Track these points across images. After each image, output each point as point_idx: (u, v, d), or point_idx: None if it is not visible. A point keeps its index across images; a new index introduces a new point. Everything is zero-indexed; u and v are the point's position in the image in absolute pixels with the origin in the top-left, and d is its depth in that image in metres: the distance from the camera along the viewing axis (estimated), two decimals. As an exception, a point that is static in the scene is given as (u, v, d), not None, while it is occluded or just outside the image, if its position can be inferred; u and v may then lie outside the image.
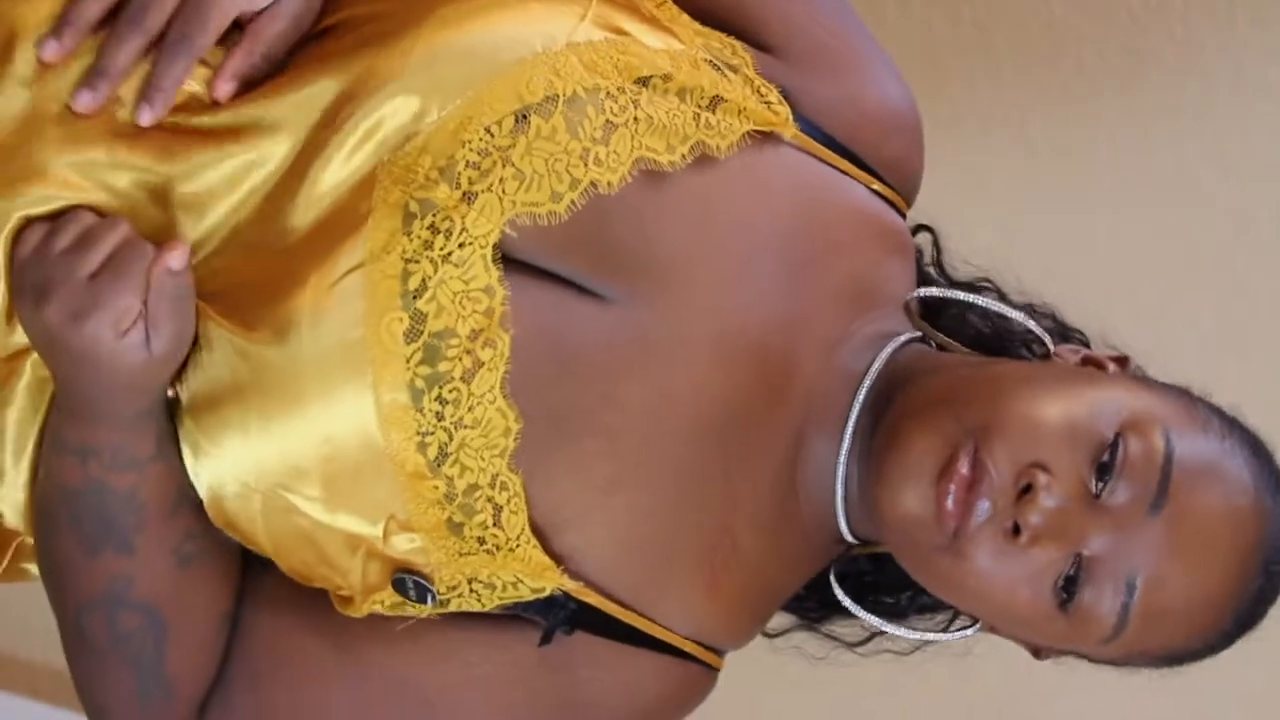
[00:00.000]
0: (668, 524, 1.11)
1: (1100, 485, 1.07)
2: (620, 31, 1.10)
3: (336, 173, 1.06)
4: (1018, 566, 1.07)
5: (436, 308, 1.04)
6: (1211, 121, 2.10)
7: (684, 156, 1.08)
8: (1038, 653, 1.17)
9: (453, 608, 1.10)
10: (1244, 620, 1.12)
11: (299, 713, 1.13)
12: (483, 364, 1.04)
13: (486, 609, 1.10)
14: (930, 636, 1.18)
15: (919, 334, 1.18)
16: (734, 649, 1.18)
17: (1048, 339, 1.17)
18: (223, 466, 1.08)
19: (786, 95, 1.14)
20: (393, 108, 1.06)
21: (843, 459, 1.13)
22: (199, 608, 1.12)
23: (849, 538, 1.16)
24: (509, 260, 1.06)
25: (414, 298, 1.04)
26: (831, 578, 1.18)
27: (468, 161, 1.05)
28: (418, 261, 1.04)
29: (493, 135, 1.05)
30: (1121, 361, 1.18)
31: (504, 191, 1.05)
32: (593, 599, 1.10)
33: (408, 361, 1.04)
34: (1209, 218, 2.13)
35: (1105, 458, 1.07)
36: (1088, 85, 2.12)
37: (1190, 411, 1.12)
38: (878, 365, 1.14)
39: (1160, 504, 1.07)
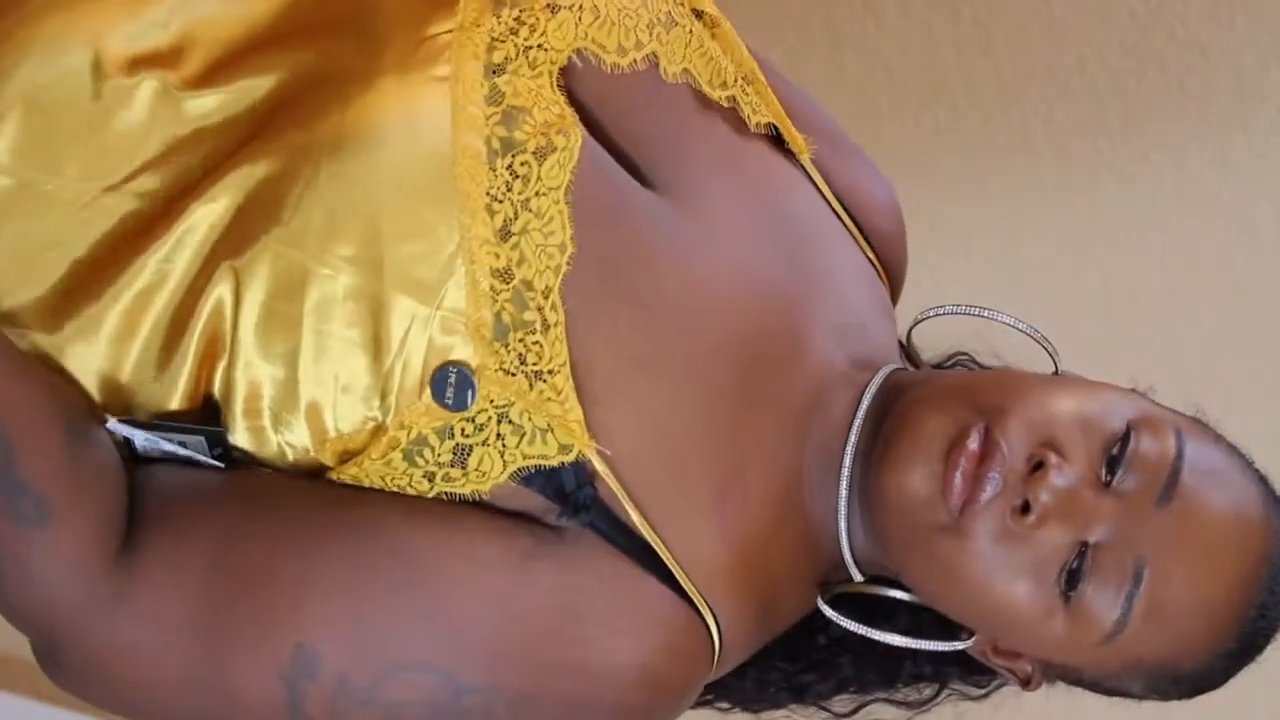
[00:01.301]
0: (689, 431, 1.07)
1: (1110, 475, 1.06)
2: None
3: None
4: (1021, 553, 1.05)
5: (514, 90, 1.05)
6: (1211, 122, 2.10)
7: (720, 100, 1.13)
8: (1027, 683, 1.15)
9: (470, 467, 1.04)
10: (1245, 639, 1.10)
11: (278, 574, 1.03)
12: (555, 150, 1.04)
13: (505, 472, 1.04)
14: (923, 645, 1.14)
15: (905, 367, 1.19)
16: (729, 629, 1.10)
17: (1057, 358, 1.17)
18: (308, 204, 1.04)
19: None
20: None
21: (845, 476, 1.12)
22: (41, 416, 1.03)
23: (848, 557, 1.13)
24: (573, 101, 1.08)
25: (495, 73, 1.05)
26: (820, 601, 1.14)
27: None
28: (503, 42, 1.06)
29: None
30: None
31: (581, 19, 1.07)
32: (613, 484, 1.04)
33: (486, 118, 1.04)
34: (1209, 218, 2.14)
35: (1116, 449, 1.06)
36: (1088, 85, 2.12)
37: (1200, 425, 1.13)
38: (877, 382, 1.13)
39: (1169, 496, 1.06)
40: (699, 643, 1.09)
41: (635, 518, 1.05)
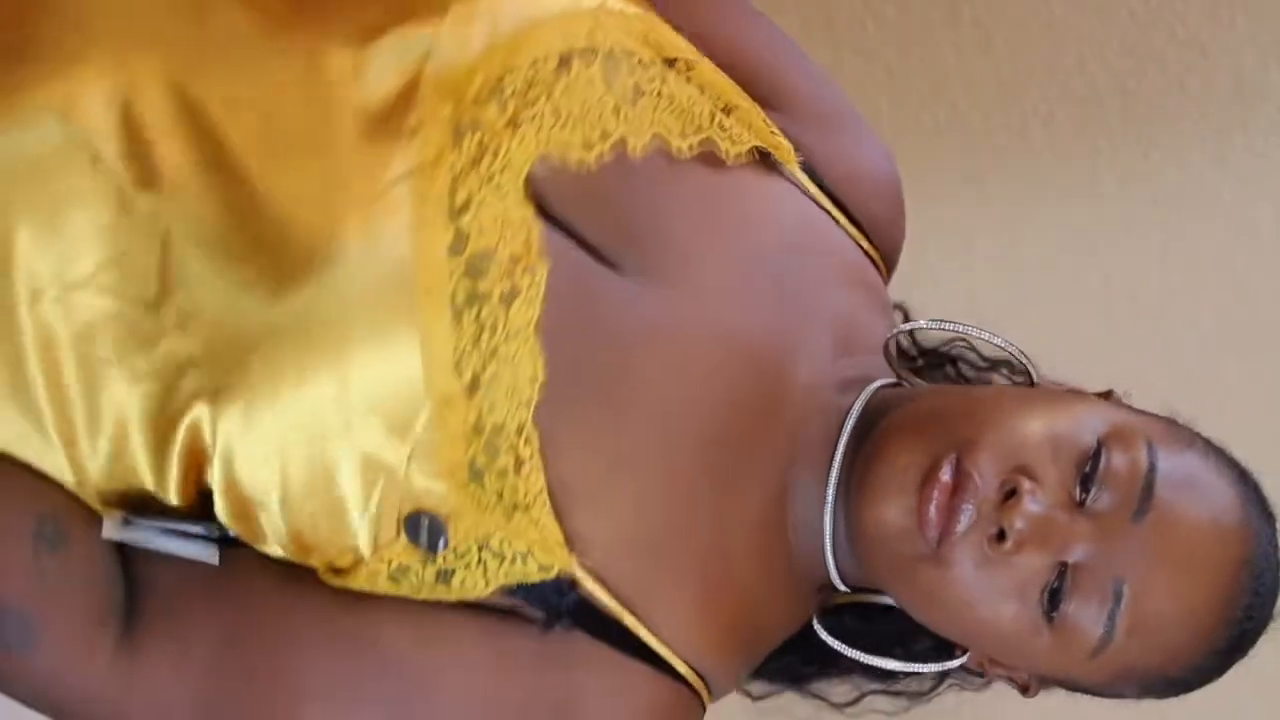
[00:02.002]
0: (668, 519, 1.10)
1: (1084, 494, 1.07)
2: (649, 6, 1.13)
3: (378, 83, 1.05)
4: (1002, 577, 1.06)
5: (479, 228, 1.03)
6: (1211, 122, 2.10)
7: (693, 147, 1.10)
8: (1025, 690, 1.16)
9: (454, 585, 1.07)
10: (1233, 641, 1.11)
11: (278, 676, 1.08)
12: (520, 293, 1.04)
13: (489, 589, 1.07)
14: (918, 668, 1.17)
15: (894, 381, 1.18)
16: (720, 685, 1.15)
17: (1033, 369, 1.17)
18: (268, 373, 1.04)
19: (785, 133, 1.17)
20: (442, 33, 1.06)
21: (829, 503, 1.12)
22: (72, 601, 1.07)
23: (836, 579, 1.15)
24: (540, 204, 1.06)
25: (459, 214, 1.03)
26: (815, 622, 1.16)
27: (514, 89, 1.05)
28: (465, 178, 1.04)
29: (539, 68, 1.06)
30: (1105, 395, 1.18)
31: (543, 125, 1.06)
32: (595, 588, 1.08)
33: (450, 275, 1.03)
34: (1209, 218, 2.14)
35: (1089, 467, 1.07)
36: (1087, 85, 2.12)
37: (1174, 430, 1.12)
38: (858, 407, 1.14)
39: (1144, 510, 1.06)
40: (691, 708, 1.13)
41: (619, 612, 1.08)
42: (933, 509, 1.05)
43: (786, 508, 1.13)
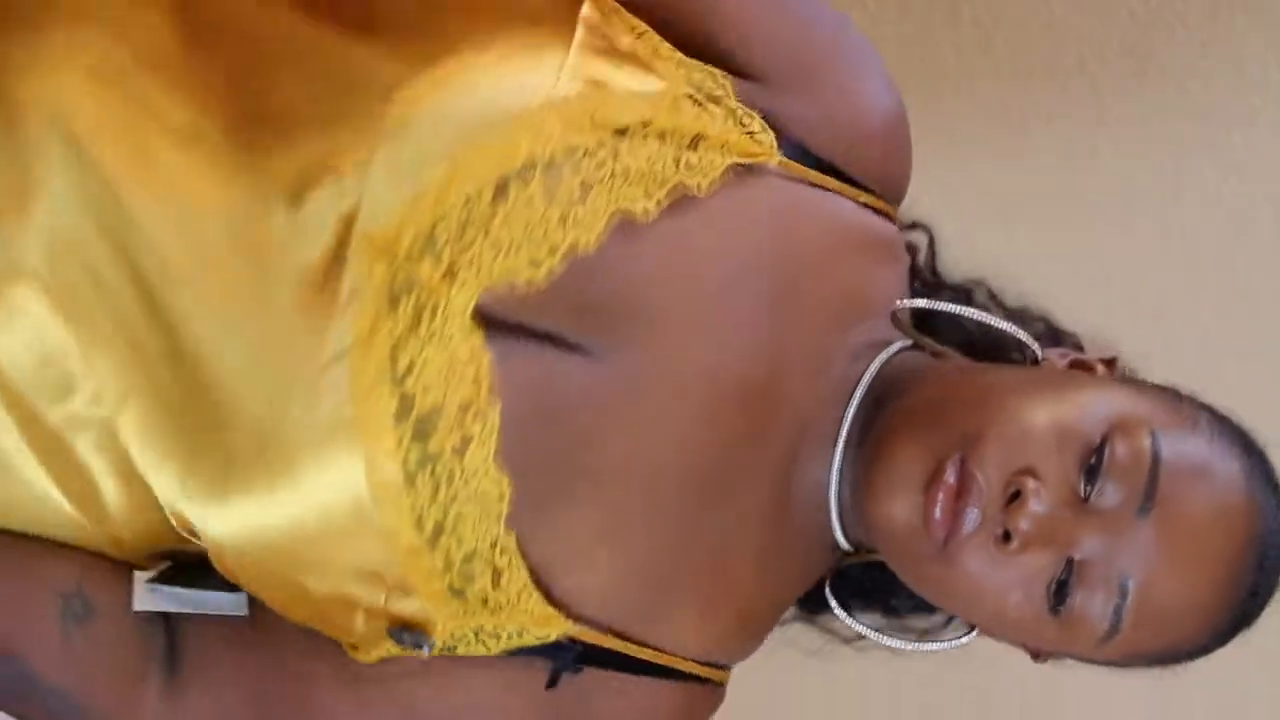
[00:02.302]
0: (662, 562, 1.11)
1: (1089, 488, 1.07)
2: (597, 82, 1.07)
3: (311, 244, 1.03)
4: (1008, 572, 1.07)
5: (424, 387, 1.02)
6: (1211, 121, 2.10)
7: (660, 202, 1.06)
8: (1036, 655, 1.18)
9: (460, 652, 1.10)
10: (1240, 618, 1.12)
11: None
12: (473, 439, 1.04)
13: (493, 653, 1.10)
14: (925, 647, 1.18)
15: (910, 342, 1.18)
16: (738, 659, 1.19)
17: (1035, 346, 1.17)
18: (223, 527, 1.07)
19: (769, 119, 1.12)
20: (371, 177, 1.03)
21: (835, 472, 1.13)
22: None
23: (845, 546, 1.16)
24: (490, 320, 1.04)
25: (402, 380, 1.02)
26: (827, 591, 1.19)
27: (448, 236, 1.02)
28: (405, 343, 1.02)
29: (472, 206, 1.02)
30: (1110, 364, 1.18)
31: (482, 265, 1.03)
32: (596, 639, 1.11)
33: (399, 443, 1.02)
34: (1209, 218, 2.14)
35: (1093, 460, 1.07)
36: (1088, 85, 2.12)
37: (1177, 411, 1.12)
38: (868, 376, 1.14)
39: (1148, 506, 1.07)
40: (710, 697, 1.18)
41: (622, 647, 1.11)
42: (938, 511, 1.06)
43: (791, 485, 1.14)
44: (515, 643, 1.09)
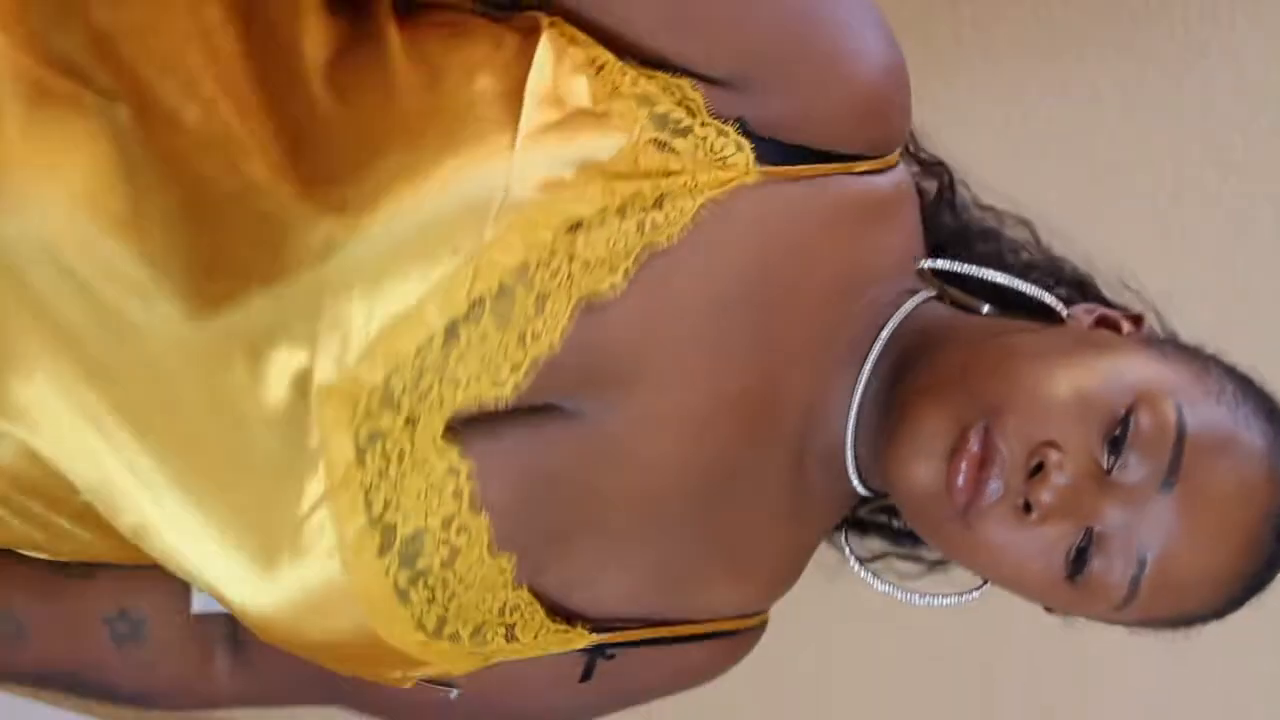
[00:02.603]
0: (676, 560, 1.15)
1: (1112, 460, 1.07)
2: (547, 182, 1.02)
3: (274, 396, 1.02)
4: (1029, 540, 1.08)
5: (403, 516, 1.04)
6: (1211, 121, 2.10)
7: (628, 272, 1.04)
8: (1050, 609, 1.19)
9: (494, 658, 1.15)
10: (1256, 585, 1.13)
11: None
12: (460, 549, 1.06)
13: (529, 655, 1.16)
14: (940, 601, 1.19)
15: (933, 293, 1.17)
16: (776, 599, 1.24)
17: (1060, 306, 1.16)
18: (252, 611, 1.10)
19: (745, 125, 1.07)
20: (321, 337, 1.01)
21: (850, 432, 1.14)
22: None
23: (864, 493, 1.17)
24: (468, 418, 1.05)
25: (380, 517, 1.04)
26: (845, 545, 1.21)
27: (404, 385, 1.02)
28: (378, 486, 1.03)
29: (425, 354, 1.01)
30: (1137, 321, 1.18)
31: (444, 402, 1.03)
32: (624, 636, 1.15)
33: (386, 571, 1.05)
34: (1209, 218, 2.14)
35: (1117, 432, 1.07)
36: (1088, 86, 2.12)
37: (1203, 380, 1.11)
38: (886, 333, 1.14)
39: (1172, 481, 1.07)
40: (750, 641, 1.24)
41: (652, 634, 1.16)
42: (960, 478, 1.06)
43: (805, 455, 1.15)
44: (545, 653, 1.15)
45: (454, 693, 1.13)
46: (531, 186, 1.01)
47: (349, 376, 1.00)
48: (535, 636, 1.13)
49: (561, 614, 1.15)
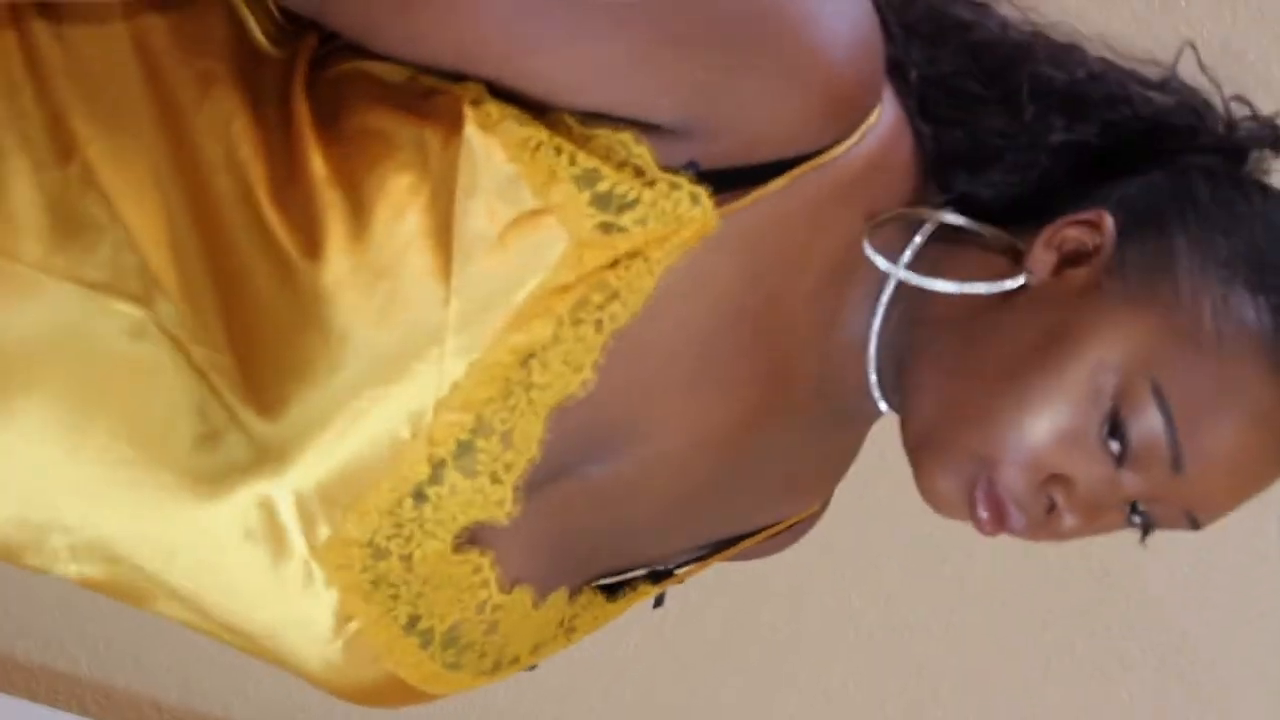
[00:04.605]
0: (722, 521, 1.20)
1: (1118, 449, 1.06)
2: (495, 329, 0.98)
3: (287, 554, 1.02)
4: (1077, 530, 1.09)
5: (439, 619, 1.07)
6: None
7: (596, 363, 1.01)
8: None
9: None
10: None
11: None
12: (499, 620, 1.10)
13: None
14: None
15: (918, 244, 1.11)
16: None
17: (1019, 280, 1.08)
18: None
19: (697, 169, 1.00)
20: (302, 511, 1.01)
21: (873, 363, 1.12)
22: None
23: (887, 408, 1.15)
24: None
25: (412, 625, 1.07)
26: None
27: (389, 534, 1.02)
28: (398, 607, 1.06)
29: (398, 515, 1.02)
30: (1097, 224, 1.07)
31: (436, 534, 1.03)
32: (688, 571, 1.21)
33: (433, 659, 1.09)
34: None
35: (1112, 433, 1.05)
36: (1088, 85, 2.12)
37: (1177, 318, 1.05)
38: (880, 317, 1.11)
39: (1180, 463, 1.05)
40: (814, 519, 1.29)
41: (718, 559, 1.22)
42: (987, 525, 1.07)
43: (830, 407, 1.15)
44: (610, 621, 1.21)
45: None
46: (475, 339, 0.98)
47: (338, 538, 1.01)
48: (596, 619, 1.17)
49: (620, 586, 1.19)
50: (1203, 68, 1.19)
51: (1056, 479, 1.06)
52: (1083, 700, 2.43)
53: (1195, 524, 1.09)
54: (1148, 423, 1.04)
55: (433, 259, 0.97)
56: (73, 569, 1.04)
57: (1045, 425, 1.05)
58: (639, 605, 1.22)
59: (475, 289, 0.97)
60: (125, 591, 1.06)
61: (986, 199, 1.12)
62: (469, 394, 0.98)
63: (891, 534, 2.32)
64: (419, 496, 1.01)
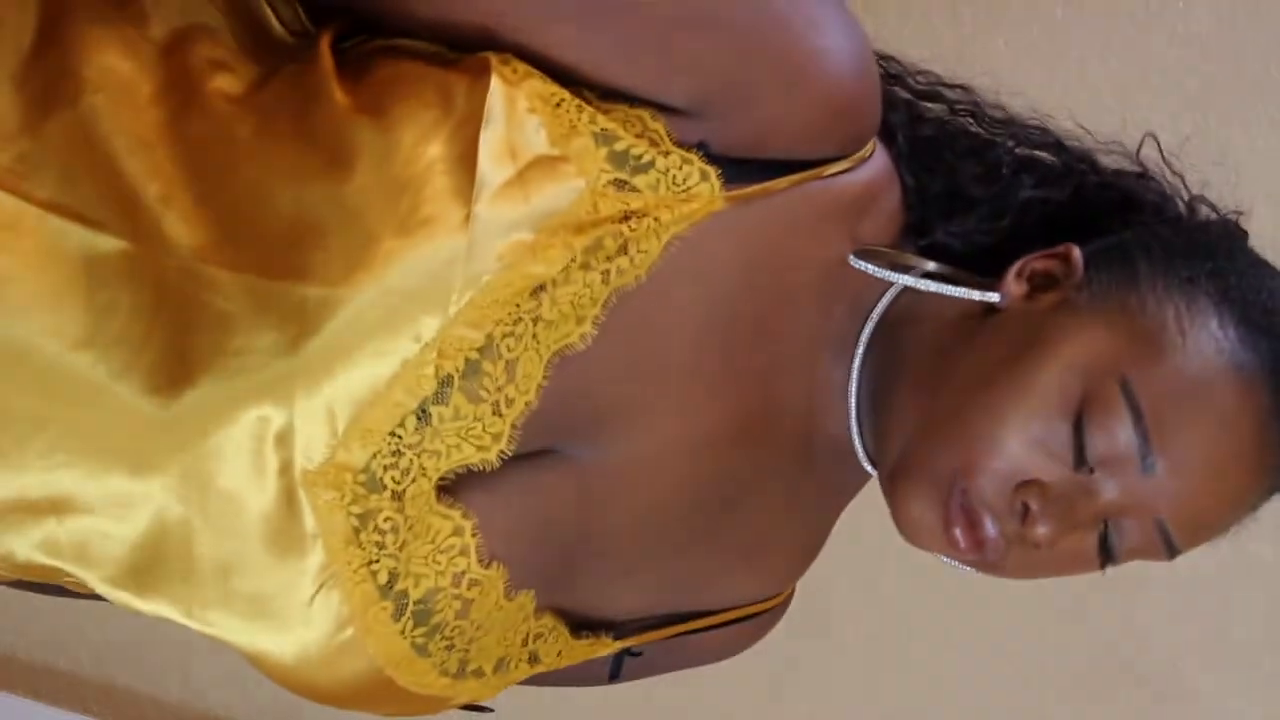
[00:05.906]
0: (692, 570, 1.18)
1: (1089, 453, 1.08)
2: (502, 255, 1.00)
3: (261, 490, 1.02)
4: (1053, 557, 1.11)
5: (413, 581, 1.06)
6: (1211, 121, 2.10)
7: (597, 319, 1.04)
8: None
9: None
10: (1274, 489, 1.13)
11: None
12: (474, 600, 1.09)
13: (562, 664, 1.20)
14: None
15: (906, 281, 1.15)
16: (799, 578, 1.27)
17: (994, 296, 1.13)
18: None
19: (709, 150, 1.04)
20: (299, 423, 1.01)
21: (853, 414, 1.15)
22: None
23: (875, 473, 1.18)
24: (467, 474, 1.06)
25: (388, 587, 1.06)
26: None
27: (384, 465, 1.02)
28: (378, 561, 1.05)
29: (400, 436, 1.02)
30: (1066, 257, 1.13)
31: (426, 471, 1.04)
32: (647, 637, 1.19)
33: (403, 634, 1.07)
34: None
35: (1080, 439, 1.07)
36: (1089, 87, 2.12)
37: (1141, 322, 1.09)
38: (868, 330, 1.14)
39: (1151, 460, 1.07)
40: (778, 611, 1.28)
41: (674, 631, 1.21)
42: (962, 543, 1.09)
43: (813, 448, 1.17)
44: (570, 663, 1.19)
45: (490, 715, 1.18)
46: (491, 259, 1.00)
47: (331, 463, 1.01)
48: (559, 654, 1.16)
49: (585, 626, 1.18)
50: (1165, 159, 1.28)
51: (1029, 484, 1.08)
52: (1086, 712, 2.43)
53: (1171, 546, 1.10)
54: (1117, 422, 1.07)
55: (454, 180, 0.99)
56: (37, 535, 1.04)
57: (1016, 430, 1.07)
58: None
59: (494, 214, 1.00)
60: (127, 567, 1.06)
61: (957, 250, 1.18)
62: (481, 312, 1.00)
63: (892, 534, 2.33)
64: (422, 415, 1.01)
